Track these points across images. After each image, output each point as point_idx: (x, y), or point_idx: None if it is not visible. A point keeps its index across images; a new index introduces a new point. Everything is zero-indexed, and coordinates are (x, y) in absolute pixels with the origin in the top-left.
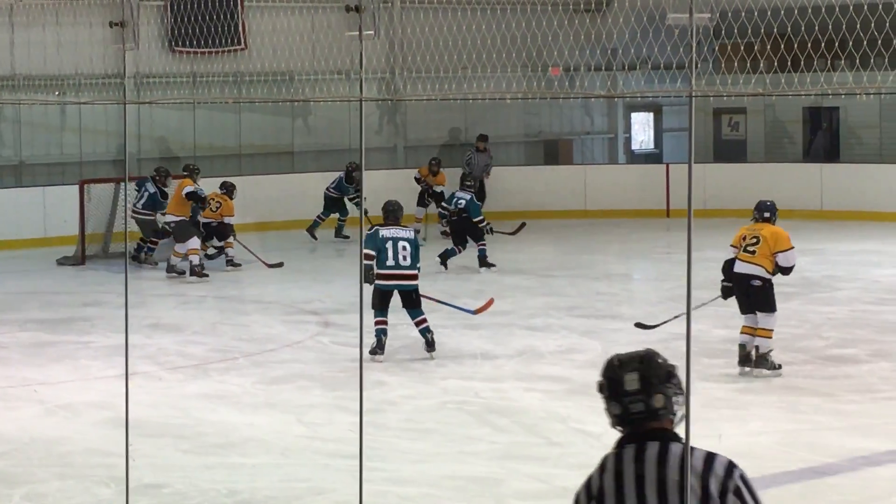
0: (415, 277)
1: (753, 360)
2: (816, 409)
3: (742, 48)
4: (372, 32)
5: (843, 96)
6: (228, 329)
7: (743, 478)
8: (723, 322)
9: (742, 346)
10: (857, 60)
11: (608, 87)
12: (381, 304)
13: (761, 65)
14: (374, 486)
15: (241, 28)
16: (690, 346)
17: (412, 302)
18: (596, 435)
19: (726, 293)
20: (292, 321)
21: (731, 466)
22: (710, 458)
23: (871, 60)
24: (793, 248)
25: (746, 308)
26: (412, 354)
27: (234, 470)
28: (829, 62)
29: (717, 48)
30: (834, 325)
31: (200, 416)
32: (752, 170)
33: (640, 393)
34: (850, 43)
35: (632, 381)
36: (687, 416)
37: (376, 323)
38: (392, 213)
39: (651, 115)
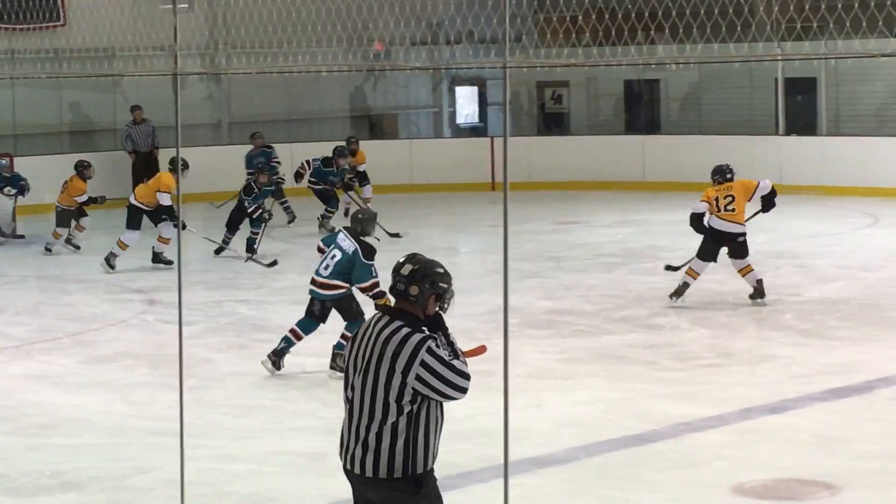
0: (326, 286)
1: (755, 290)
2: (639, 378)
3: (567, 21)
4: (186, 5)
5: (667, 68)
6: (51, 309)
7: (430, 352)
8: (547, 293)
9: (686, 284)
10: (681, 32)
11: (435, 62)
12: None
13: (586, 37)
14: (200, 463)
15: (59, 4)
16: (508, 318)
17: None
18: None
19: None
20: (117, 300)
21: (419, 344)
22: (406, 338)
23: (694, 31)
24: (760, 180)
25: (712, 257)
26: (238, 332)
27: (58, 451)
28: (650, 35)
29: (541, 21)
30: (656, 295)
31: (23, 396)
32: (576, 142)
33: (406, 279)
34: (673, 16)
35: (406, 269)
36: (506, 388)
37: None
38: (358, 222)
39: (475, 89)
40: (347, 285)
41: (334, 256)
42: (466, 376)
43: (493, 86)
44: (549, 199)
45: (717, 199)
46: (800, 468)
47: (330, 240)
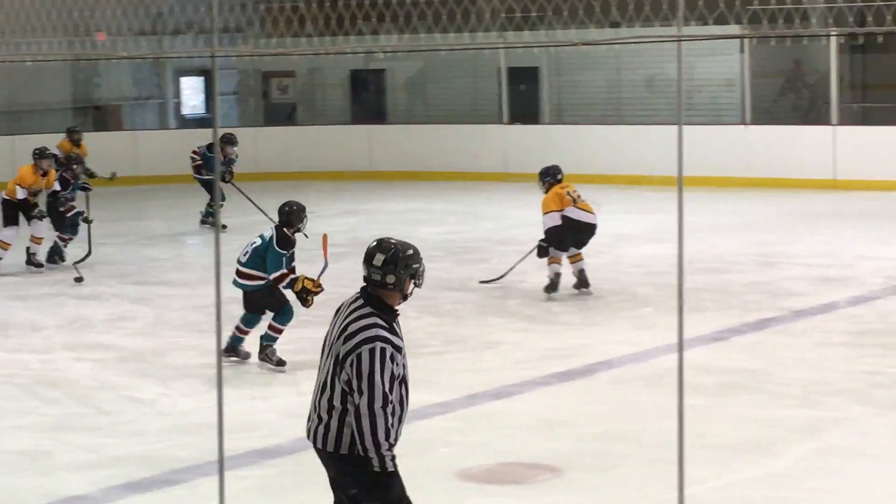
0: (244, 276)
1: (577, 280)
2: None
3: (287, 10)
4: None
5: (392, 57)
6: None
7: (371, 354)
8: None
9: (559, 275)
10: (402, 21)
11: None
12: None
13: (312, 27)
14: None
15: None
16: (221, 310)
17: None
18: (148, 402)
19: (543, 252)
20: None
21: (365, 342)
22: (363, 329)
23: (414, 20)
24: None
25: (577, 246)
26: None
27: None
28: (374, 25)
29: (264, 10)
30: None
31: None
32: (302, 132)
33: (381, 269)
34: (394, 4)
35: (378, 259)
36: (219, 379)
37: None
38: (284, 214)
39: (201, 79)
40: (265, 276)
41: (254, 243)
42: (376, 399)
43: (219, 76)
44: (276, 190)
45: (568, 194)
46: (524, 452)
47: (262, 234)
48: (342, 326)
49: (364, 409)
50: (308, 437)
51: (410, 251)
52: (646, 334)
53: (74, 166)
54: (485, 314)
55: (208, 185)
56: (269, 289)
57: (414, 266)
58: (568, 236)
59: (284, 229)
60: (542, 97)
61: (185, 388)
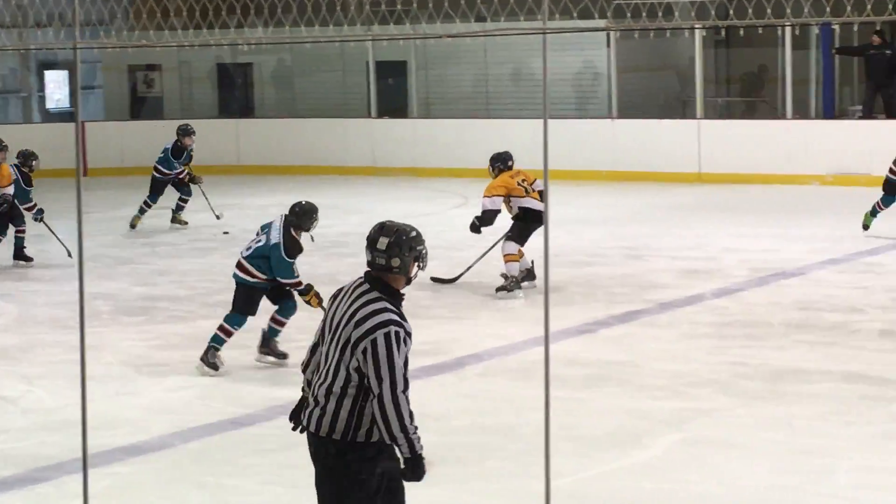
0: (246, 271)
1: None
2: (235, 361)
3: (151, 2)
4: None
5: (260, 51)
6: None
7: (387, 338)
8: (141, 280)
9: (521, 270)
10: (266, 14)
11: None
12: None
13: (176, 19)
14: None
15: None
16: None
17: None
18: (12, 399)
19: (474, 228)
20: None
21: (379, 326)
22: (374, 314)
23: (279, 13)
24: None
25: (527, 237)
26: None
27: None
28: (239, 18)
29: (131, 3)
30: None
31: None
32: (169, 126)
33: (385, 253)
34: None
35: (382, 243)
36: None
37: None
38: (295, 215)
39: (66, 72)
40: (266, 277)
41: (258, 241)
42: (398, 384)
43: (83, 70)
44: (142, 184)
45: (519, 184)
46: None
47: (267, 225)
48: (350, 312)
49: (388, 396)
50: (303, 422)
51: (414, 233)
52: (514, 327)
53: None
54: None
55: (173, 182)
56: (270, 288)
57: (418, 248)
58: (531, 227)
59: (292, 230)
60: (411, 91)
61: (49, 385)
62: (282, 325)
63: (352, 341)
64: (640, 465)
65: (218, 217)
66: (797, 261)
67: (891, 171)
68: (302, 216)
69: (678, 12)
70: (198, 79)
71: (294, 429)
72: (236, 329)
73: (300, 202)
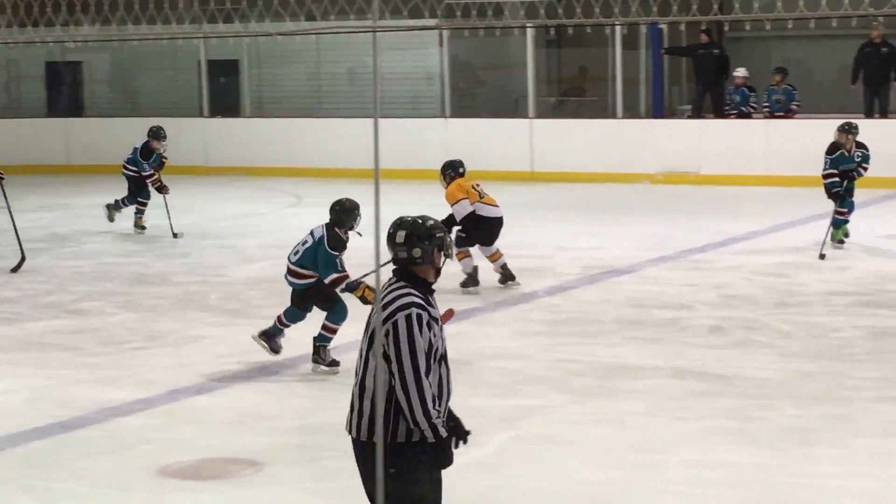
0: (295, 274)
1: (502, 275)
2: (65, 364)
3: None
4: None
5: (90, 49)
6: None
7: (407, 320)
8: None
9: (476, 268)
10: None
11: None
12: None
13: (12, 15)
14: None
15: None
16: None
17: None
18: None
19: (461, 242)
20: None
21: (400, 308)
22: (397, 298)
23: (106, 12)
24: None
25: (489, 242)
26: None
27: None
28: (64, 15)
29: None
30: (82, 279)
31: None
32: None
33: (405, 245)
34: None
35: (400, 236)
36: None
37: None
38: (336, 213)
39: None
40: (316, 275)
41: (305, 242)
42: (420, 366)
43: None
44: None
45: (473, 188)
46: (226, 447)
47: (315, 228)
48: (379, 305)
49: (410, 378)
50: (346, 427)
51: (430, 222)
52: (345, 327)
53: None
54: (186, 309)
55: (135, 182)
56: (318, 287)
57: (439, 235)
58: (476, 233)
59: (336, 229)
60: (243, 90)
61: None
62: (333, 332)
63: (376, 327)
64: (473, 464)
65: (175, 236)
66: (628, 258)
67: (824, 176)
68: (343, 214)
69: (507, 11)
70: (27, 77)
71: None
72: (290, 324)
73: (341, 201)
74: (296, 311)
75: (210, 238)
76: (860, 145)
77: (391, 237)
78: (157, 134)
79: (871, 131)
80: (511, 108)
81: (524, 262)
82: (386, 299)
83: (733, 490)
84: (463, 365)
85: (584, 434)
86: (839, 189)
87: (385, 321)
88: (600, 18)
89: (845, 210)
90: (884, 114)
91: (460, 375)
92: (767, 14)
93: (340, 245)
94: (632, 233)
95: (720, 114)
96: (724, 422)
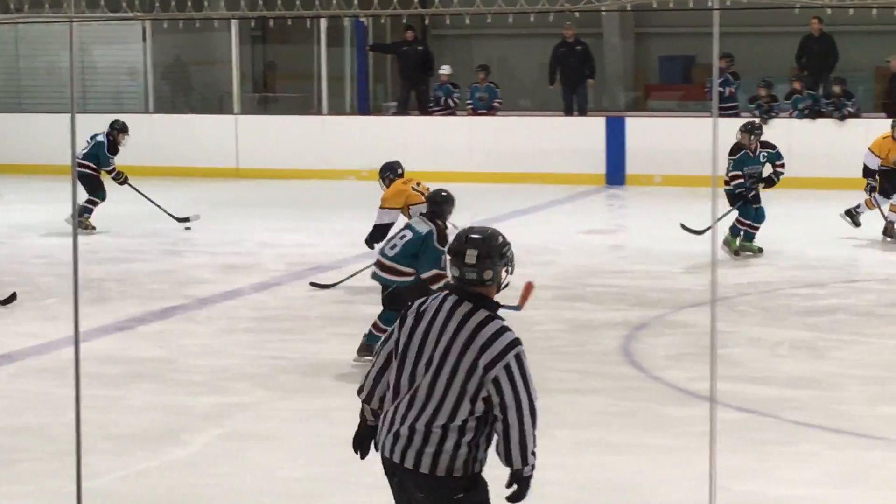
0: (391, 270)
1: None
2: None
3: None
4: None
5: None
6: None
7: (518, 360)
8: None
9: None
10: None
11: None
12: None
13: None
14: None
15: None
16: None
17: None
18: None
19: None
20: None
21: (510, 346)
22: (496, 335)
23: None
24: None
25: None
26: None
27: None
28: None
29: None
30: None
31: None
32: None
33: (476, 267)
34: None
35: (471, 256)
36: None
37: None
38: (437, 204)
39: None
40: (413, 272)
41: (404, 237)
42: (534, 401)
43: None
44: None
45: (414, 189)
46: None
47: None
48: (463, 337)
49: (528, 419)
50: (386, 454)
51: (500, 238)
52: (49, 326)
53: None
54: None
55: (90, 180)
56: (419, 286)
57: (508, 254)
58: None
59: (438, 220)
60: None
61: None
62: (383, 331)
63: (479, 368)
64: (177, 462)
65: (188, 219)
66: (334, 254)
67: (728, 180)
68: (445, 205)
69: (208, 3)
70: None
71: (362, 458)
72: (388, 327)
73: (439, 192)
74: (393, 315)
75: None
76: (766, 144)
77: (459, 254)
78: (124, 128)
79: (568, 129)
80: (216, 104)
81: (230, 259)
82: (480, 337)
83: None
84: (166, 363)
85: (291, 430)
86: (744, 191)
87: (493, 363)
88: (301, 10)
89: (750, 220)
90: (582, 112)
91: (163, 373)
92: (467, 7)
93: (445, 240)
94: (337, 229)
95: (425, 111)
96: None
